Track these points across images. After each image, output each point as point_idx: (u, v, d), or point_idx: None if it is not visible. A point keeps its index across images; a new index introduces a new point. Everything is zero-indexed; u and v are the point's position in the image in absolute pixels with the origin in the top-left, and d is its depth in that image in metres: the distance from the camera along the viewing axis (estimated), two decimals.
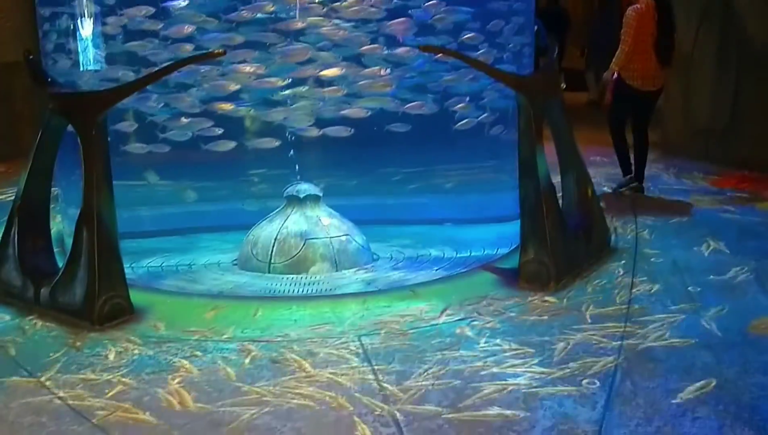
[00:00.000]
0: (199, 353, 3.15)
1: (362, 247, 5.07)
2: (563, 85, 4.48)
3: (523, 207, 3.93)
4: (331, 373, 2.92)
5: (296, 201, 5.08)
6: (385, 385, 2.81)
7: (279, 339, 3.29)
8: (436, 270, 4.74)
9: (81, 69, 4.93)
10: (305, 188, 5.13)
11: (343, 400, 2.71)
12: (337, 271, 4.82)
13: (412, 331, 3.34)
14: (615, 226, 4.94)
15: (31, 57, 4.13)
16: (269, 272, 4.79)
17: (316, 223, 5.02)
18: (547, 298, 3.68)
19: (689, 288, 3.77)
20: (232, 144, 4.93)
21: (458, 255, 5.15)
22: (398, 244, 5.49)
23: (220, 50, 3.83)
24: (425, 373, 2.90)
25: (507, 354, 3.06)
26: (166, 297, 3.97)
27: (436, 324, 3.41)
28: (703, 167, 6.65)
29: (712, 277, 3.91)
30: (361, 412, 2.62)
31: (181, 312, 3.69)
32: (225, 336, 3.34)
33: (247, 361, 3.06)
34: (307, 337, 3.30)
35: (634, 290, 3.76)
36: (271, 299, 4.01)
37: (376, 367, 2.96)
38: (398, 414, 2.60)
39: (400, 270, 4.83)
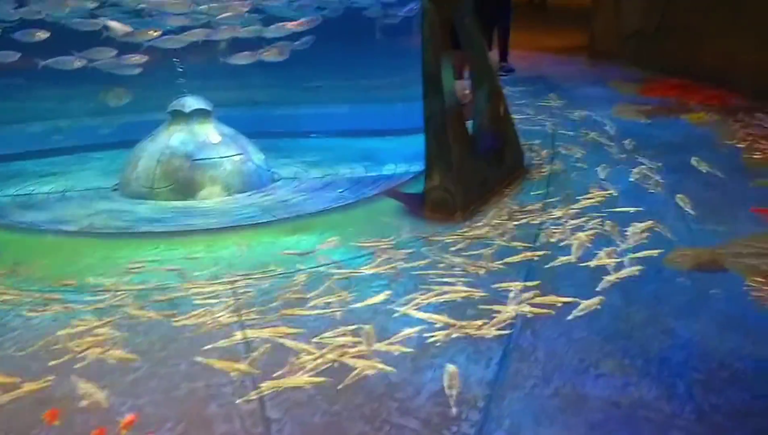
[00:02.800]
0: (40, 308, 2.69)
1: (260, 168, 4.61)
2: None
3: (428, 127, 3.51)
4: (192, 332, 2.53)
5: (181, 116, 4.54)
6: (253, 345, 2.44)
7: (139, 288, 2.86)
8: (341, 192, 4.35)
9: None
10: (192, 101, 4.59)
11: (199, 366, 2.33)
12: (229, 195, 4.38)
13: (294, 273, 2.95)
14: (532, 144, 4.61)
15: None
16: (152, 199, 4.32)
17: (205, 141, 4.51)
18: (452, 230, 3.33)
19: (603, 212, 3.48)
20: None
21: (369, 174, 4.77)
22: (308, 160, 5.07)
23: None
24: (303, 329, 2.53)
25: (397, 302, 2.71)
26: (17, 234, 3.46)
27: (324, 264, 3.03)
28: (631, 74, 6.34)
29: (629, 199, 3.63)
30: (220, 383, 2.25)
31: (30, 253, 3.19)
32: (72, 284, 2.89)
33: (95, 318, 2.63)
34: (170, 285, 2.88)
35: (545, 217, 3.45)
36: (138, 235, 3.53)
37: (245, 322, 2.57)
38: (263, 385, 2.24)
39: (301, 193, 4.41)
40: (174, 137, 4.46)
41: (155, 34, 4.34)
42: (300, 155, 5.19)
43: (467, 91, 5.51)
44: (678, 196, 3.62)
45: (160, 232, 3.55)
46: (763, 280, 2.77)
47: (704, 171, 4.03)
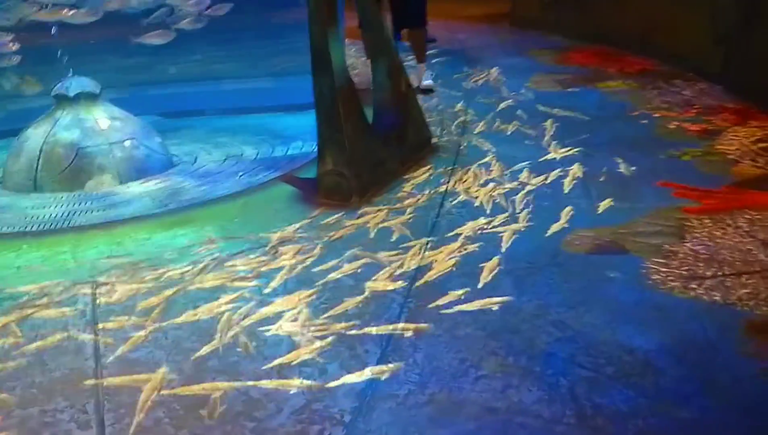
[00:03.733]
0: None
1: (155, 152, 4.30)
2: None
3: (318, 107, 3.27)
4: (38, 346, 2.27)
5: (66, 101, 4.20)
6: (104, 362, 2.19)
7: None
8: (240, 176, 4.08)
9: None
10: (77, 84, 4.25)
11: (40, 387, 2.08)
12: (121, 183, 4.07)
13: (165, 274, 2.69)
14: (442, 118, 4.41)
15: None
16: (36, 190, 3.98)
17: (92, 127, 4.18)
18: (345, 218, 3.11)
19: (506, 193, 3.30)
20: None
21: (274, 154, 4.51)
22: (213, 141, 4.78)
23: None
24: (166, 342, 2.29)
25: (275, 303, 2.48)
26: None
27: (200, 266, 2.74)
28: (552, 42, 6.17)
29: (532, 179, 3.45)
30: (57, 407, 2.01)
31: None
32: None
33: None
34: (26, 291, 2.60)
35: (446, 202, 3.26)
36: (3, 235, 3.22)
37: (101, 340, 2.31)
38: (107, 402, 2.01)
39: (198, 178, 4.13)
40: (58, 124, 4.12)
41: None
42: (206, 135, 4.90)
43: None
44: (584, 171, 3.47)
45: (26, 231, 3.25)
46: (662, 260, 2.63)
47: (614, 143, 3.89)
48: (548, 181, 3.39)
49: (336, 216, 3.11)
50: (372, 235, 2.94)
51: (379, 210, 3.15)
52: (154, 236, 3.01)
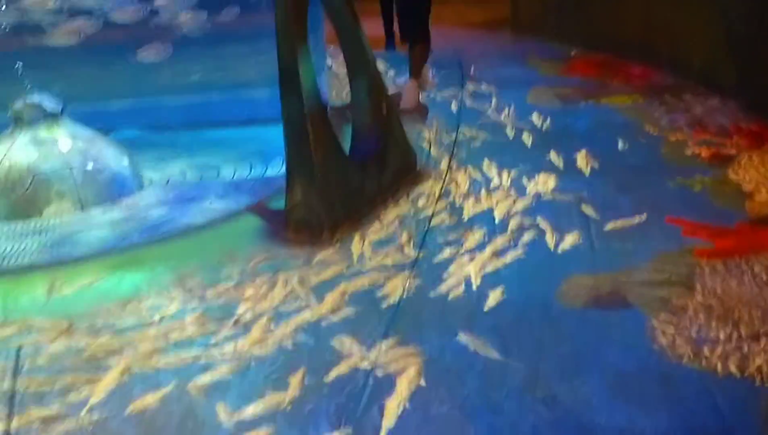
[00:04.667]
0: None
1: (120, 175, 3.98)
2: None
3: (287, 132, 2.95)
4: None
5: (23, 120, 3.88)
6: None
7: None
8: (210, 204, 3.76)
9: None
10: (37, 102, 3.93)
11: None
12: (82, 209, 3.75)
13: (103, 332, 2.35)
14: (432, 138, 4.06)
15: None
16: None
17: (51, 149, 3.86)
18: (314, 257, 2.78)
19: (494, 230, 2.95)
20: None
21: (252, 174, 4.19)
22: (191, 158, 4.46)
23: None
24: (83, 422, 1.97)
25: (219, 369, 2.15)
26: None
27: (141, 320, 2.41)
28: (553, 50, 5.83)
29: (524, 212, 3.09)
30: None
31: None
32: None
33: None
34: None
35: (428, 238, 2.91)
36: None
37: (16, 415, 1.99)
38: None
39: (165, 205, 3.80)
40: (14, 146, 3.81)
41: None
42: (186, 151, 4.57)
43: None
44: (583, 204, 3.12)
45: None
46: (670, 318, 2.30)
47: (617, 169, 3.54)
48: (542, 215, 3.05)
49: (303, 256, 2.78)
50: (333, 284, 2.59)
51: (347, 253, 2.81)
52: (97, 282, 2.68)
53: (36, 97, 3.93)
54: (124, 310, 2.46)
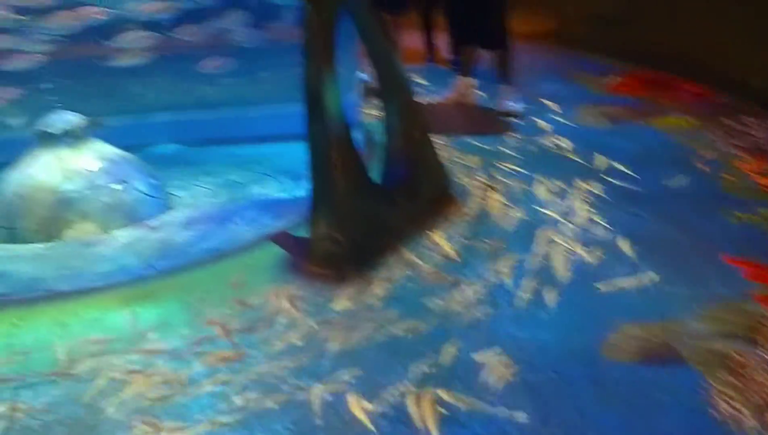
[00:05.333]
0: None
1: (146, 196, 3.85)
2: None
3: (311, 159, 2.77)
4: None
5: (49, 138, 3.79)
6: None
7: None
8: (236, 226, 3.61)
9: None
10: (62, 120, 3.83)
11: None
12: (105, 232, 3.63)
13: (98, 374, 2.20)
14: (467, 164, 3.81)
15: None
16: (13, 241, 3.56)
17: (77, 168, 3.75)
18: (334, 299, 2.57)
19: (534, 270, 2.69)
20: None
21: (281, 195, 4.03)
22: (223, 176, 4.33)
23: None
24: None
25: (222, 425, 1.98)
26: None
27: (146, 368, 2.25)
28: (602, 65, 5.54)
29: (568, 247, 2.84)
30: None
31: None
32: None
33: None
34: None
35: (460, 275, 2.69)
36: None
37: None
38: None
39: (191, 228, 3.66)
40: (39, 165, 3.71)
41: None
42: (218, 168, 4.44)
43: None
44: (631, 239, 2.85)
45: None
46: (729, 378, 2.04)
47: (670, 200, 3.26)
48: (585, 249, 2.80)
49: (318, 299, 2.58)
50: (362, 328, 2.40)
51: (365, 296, 2.58)
52: (106, 314, 2.53)
53: (62, 115, 3.86)
54: (128, 344, 2.31)
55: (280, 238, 3.07)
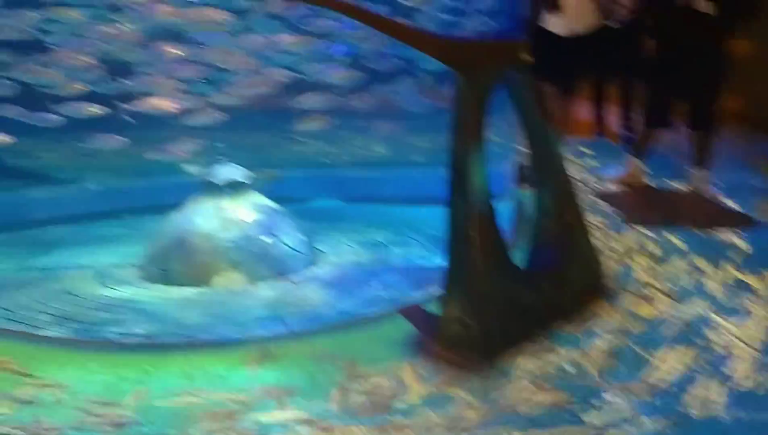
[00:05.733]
0: None
1: (293, 250, 3.94)
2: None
3: (450, 236, 2.64)
4: None
5: (213, 189, 3.99)
6: None
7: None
8: (373, 287, 3.62)
9: None
10: (227, 172, 4.03)
11: None
12: (250, 282, 3.74)
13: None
14: (628, 254, 3.45)
15: None
16: (167, 283, 3.76)
17: (233, 218, 3.91)
18: (455, 389, 2.39)
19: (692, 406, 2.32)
20: None
21: (424, 261, 3.94)
22: (371, 236, 4.36)
23: None
24: None
25: None
26: None
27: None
28: None
29: (746, 374, 2.44)
30: None
31: None
32: None
33: None
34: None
35: (607, 383, 2.41)
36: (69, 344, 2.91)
37: None
38: None
39: (330, 287, 3.68)
40: (199, 212, 3.91)
41: None
42: (368, 228, 4.48)
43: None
44: None
45: (100, 341, 2.95)
46: None
47: None
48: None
49: (447, 382, 2.41)
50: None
51: (498, 391, 2.39)
52: (231, 373, 2.53)
53: (228, 166, 4.06)
54: (246, 408, 2.29)
55: (411, 313, 2.95)
